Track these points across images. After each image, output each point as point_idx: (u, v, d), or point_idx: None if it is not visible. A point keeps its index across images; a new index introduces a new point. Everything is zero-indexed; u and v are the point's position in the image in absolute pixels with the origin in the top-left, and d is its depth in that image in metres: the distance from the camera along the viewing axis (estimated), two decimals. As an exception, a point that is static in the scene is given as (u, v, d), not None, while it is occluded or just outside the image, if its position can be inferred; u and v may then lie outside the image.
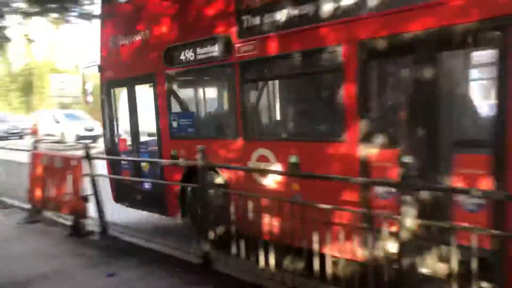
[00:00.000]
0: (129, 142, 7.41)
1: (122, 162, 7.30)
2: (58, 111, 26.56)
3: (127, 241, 6.03)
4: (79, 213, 6.47)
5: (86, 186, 6.44)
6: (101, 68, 7.56)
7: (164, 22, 6.31)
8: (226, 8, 5.44)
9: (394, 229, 3.42)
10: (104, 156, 7.80)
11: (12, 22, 6.66)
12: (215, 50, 5.58)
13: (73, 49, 50.12)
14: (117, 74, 7.29)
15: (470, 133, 4.17)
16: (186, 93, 6.51)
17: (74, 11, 6.56)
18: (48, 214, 7.46)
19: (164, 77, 6.35)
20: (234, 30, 5.35)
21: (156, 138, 6.73)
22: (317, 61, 4.87)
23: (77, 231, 6.43)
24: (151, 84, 6.60)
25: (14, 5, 6.30)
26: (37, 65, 42.35)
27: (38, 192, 7.25)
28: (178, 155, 6.23)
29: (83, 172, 6.41)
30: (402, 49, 4.00)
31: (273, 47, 4.98)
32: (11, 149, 9.59)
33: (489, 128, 3.60)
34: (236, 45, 5.32)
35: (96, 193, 6.43)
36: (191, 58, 5.87)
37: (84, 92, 10.64)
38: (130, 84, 7.14)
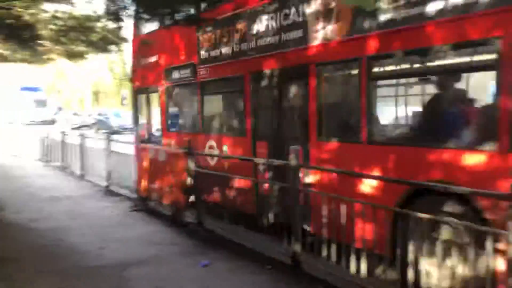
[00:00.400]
0: (146, 133, 9.74)
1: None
2: None
3: (221, 234, 6.25)
4: (179, 205, 6.86)
5: (187, 180, 6.80)
6: (131, 80, 10.20)
7: (165, 51, 8.75)
8: (193, 45, 7.80)
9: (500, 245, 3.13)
10: (205, 152, 8.18)
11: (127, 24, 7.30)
12: (188, 72, 7.94)
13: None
14: (141, 84, 9.75)
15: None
16: (175, 100, 8.72)
17: (181, 15, 6.99)
18: (152, 203, 8.03)
19: (164, 88, 8.72)
20: (197, 59, 7.70)
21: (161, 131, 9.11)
22: (233, 84, 7.10)
23: (176, 221, 6.82)
24: (157, 92, 8.99)
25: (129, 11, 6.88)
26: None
27: (143, 183, 7.83)
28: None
29: (184, 167, 6.78)
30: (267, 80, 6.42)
31: (215, 73, 7.40)
32: (122, 142, 10.47)
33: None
34: (198, 70, 7.67)
35: (195, 186, 6.76)
36: (177, 76, 8.29)
37: (121, 97, 14.51)
38: (147, 92, 9.62)
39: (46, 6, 7.41)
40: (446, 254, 3.72)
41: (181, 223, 6.75)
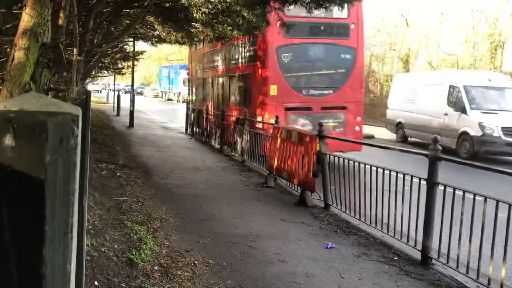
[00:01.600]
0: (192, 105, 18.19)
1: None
2: None
3: (346, 219, 6.25)
4: (307, 186, 7.00)
5: (316, 162, 6.90)
6: (187, 71, 20.40)
7: (191, 60, 19.14)
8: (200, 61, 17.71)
9: None
10: (342, 137, 8.20)
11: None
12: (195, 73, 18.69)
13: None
14: (190, 75, 19.39)
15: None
16: (200, 86, 17.93)
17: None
18: (281, 181, 8.33)
19: (195, 79, 18.64)
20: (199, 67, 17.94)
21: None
22: (207, 80, 16.71)
23: (303, 202, 6.99)
24: (192, 81, 19.11)
25: None
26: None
27: (275, 161, 8.13)
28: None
29: (315, 149, 6.88)
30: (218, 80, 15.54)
31: (201, 76, 17.45)
32: (256, 121, 10.96)
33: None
34: (192, 70, 19.11)
35: (323, 170, 6.83)
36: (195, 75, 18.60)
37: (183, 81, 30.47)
38: (191, 80, 19.59)
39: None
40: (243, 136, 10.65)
41: (307, 204, 6.89)
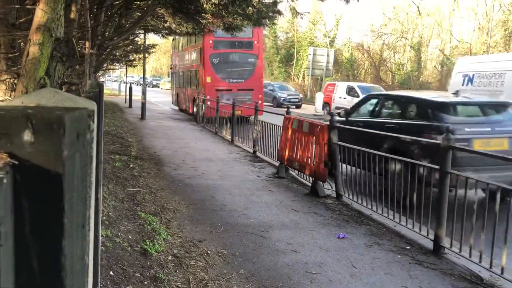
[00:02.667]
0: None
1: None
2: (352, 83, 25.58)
3: (357, 209, 6.25)
4: (319, 176, 7.00)
5: (328, 153, 6.88)
6: (171, 66, 28.74)
7: (173, 59, 26.88)
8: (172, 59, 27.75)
9: None
10: (349, 126, 8.12)
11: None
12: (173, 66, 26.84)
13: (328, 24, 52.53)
14: (173, 69, 26.87)
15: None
16: (177, 76, 25.11)
17: None
18: (293, 172, 8.33)
19: (174, 72, 26.32)
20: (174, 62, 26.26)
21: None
22: (179, 73, 24.60)
23: (315, 192, 6.99)
24: (173, 73, 26.84)
25: None
26: (298, 38, 46.33)
27: (286, 152, 8.14)
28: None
29: (326, 139, 6.86)
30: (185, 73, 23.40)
31: (177, 68, 24.89)
32: (268, 112, 10.96)
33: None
34: (173, 65, 26.57)
35: (335, 160, 6.82)
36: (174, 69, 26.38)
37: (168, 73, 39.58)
38: (173, 73, 26.89)
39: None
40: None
41: (319, 194, 6.90)
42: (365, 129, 7.14)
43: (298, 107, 29.09)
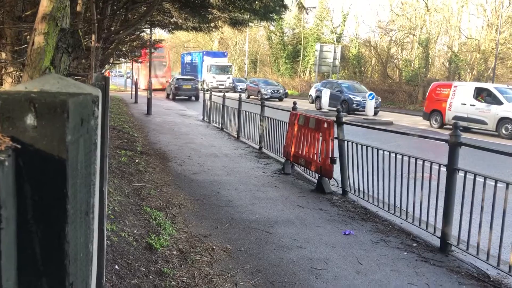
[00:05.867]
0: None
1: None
2: None
3: (364, 206, 6.22)
4: (325, 173, 6.97)
5: (334, 149, 6.86)
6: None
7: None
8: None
9: None
10: (355, 122, 8.10)
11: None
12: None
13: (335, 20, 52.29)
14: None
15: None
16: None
17: None
18: (298, 168, 8.31)
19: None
20: None
21: None
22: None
23: (320, 188, 6.97)
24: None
25: None
26: (305, 35, 46.16)
27: (292, 148, 8.11)
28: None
29: (333, 136, 6.83)
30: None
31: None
32: (275, 108, 10.93)
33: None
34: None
35: (342, 156, 6.78)
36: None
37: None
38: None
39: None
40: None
41: (325, 190, 6.87)
42: None
43: (280, 99, 31.98)
